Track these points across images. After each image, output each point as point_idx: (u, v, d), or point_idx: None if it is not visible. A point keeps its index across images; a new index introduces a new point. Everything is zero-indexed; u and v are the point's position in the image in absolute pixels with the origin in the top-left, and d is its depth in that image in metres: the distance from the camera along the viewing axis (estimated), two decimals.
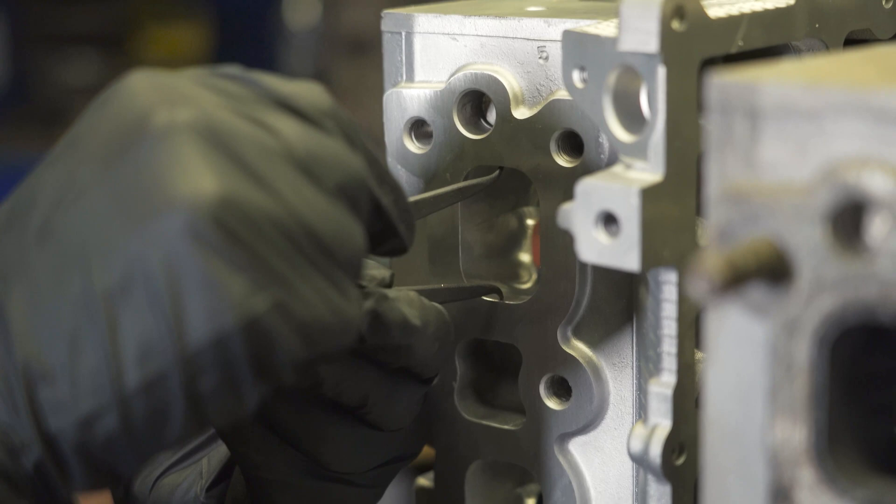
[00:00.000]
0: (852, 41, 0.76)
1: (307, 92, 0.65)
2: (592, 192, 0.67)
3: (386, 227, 0.68)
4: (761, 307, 0.55)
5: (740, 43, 0.69)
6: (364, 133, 0.67)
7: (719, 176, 0.57)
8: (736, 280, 0.52)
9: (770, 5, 0.70)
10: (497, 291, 0.80)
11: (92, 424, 0.59)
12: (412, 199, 0.75)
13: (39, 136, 3.92)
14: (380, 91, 0.82)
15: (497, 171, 0.78)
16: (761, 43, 0.70)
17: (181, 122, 0.60)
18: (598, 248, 0.67)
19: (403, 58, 0.80)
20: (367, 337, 0.69)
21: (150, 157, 0.59)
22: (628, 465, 0.77)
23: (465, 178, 0.79)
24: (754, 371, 0.56)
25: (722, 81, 0.55)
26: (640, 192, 0.66)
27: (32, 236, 0.61)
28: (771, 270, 0.54)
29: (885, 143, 0.53)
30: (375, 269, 0.74)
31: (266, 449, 0.73)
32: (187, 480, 0.76)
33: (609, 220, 0.67)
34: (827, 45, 0.74)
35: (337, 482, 0.74)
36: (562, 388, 0.79)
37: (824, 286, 0.54)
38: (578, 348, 0.78)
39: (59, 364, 0.59)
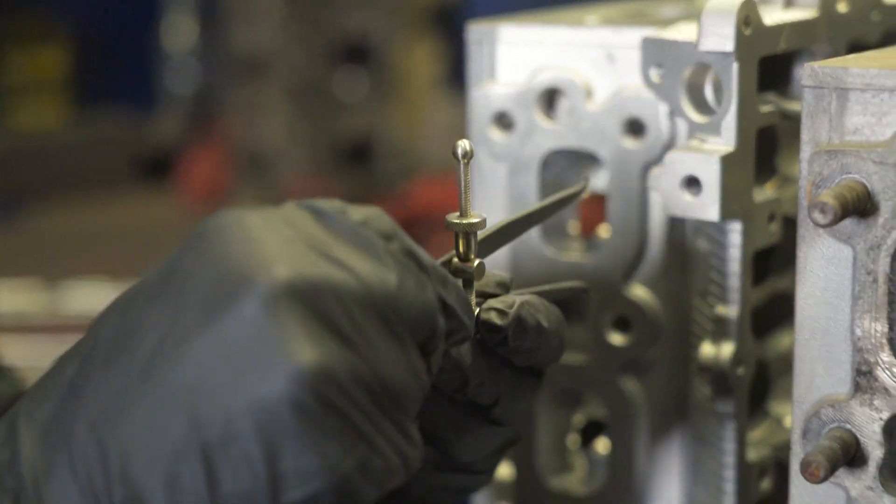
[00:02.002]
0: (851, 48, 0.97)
1: (375, 221, 0.72)
2: (679, 161, 0.88)
3: (453, 323, 0.74)
4: (850, 235, 0.75)
5: (783, 45, 0.89)
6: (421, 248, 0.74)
7: (812, 139, 0.77)
8: (845, 212, 0.72)
9: (800, 17, 0.91)
10: (586, 291, 0.91)
11: None
12: (504, 222, 0.84)
13: None
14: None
15: (582, 185, 0.92)
16: (796, 46, 0.91)
17: (280, 284, 0.66)
18: (683, 204, 0.88)
19: (486, 62, 0.98)
20: (510, 341, 0.78)
21: (254, 318, 0.65)
22: (681, 384, 0.96)
23: (544, 160, 0.97)
24: (842, 282, 0.76)
25: (816, 66, 0.75)
26: (720, 159, 0.86)
27: (136, 374, 0.66)
28: (861, 206, 0.74)
29: None
30: (496, 276, 0.82)
31: None
32: None
33: (692, 183, 0.88)
34: (835, 50, 0.94)
35: (461, 472, 0.83)
36: (624, 325, 0.98)
37: None
38: (638, 293, 0.96)
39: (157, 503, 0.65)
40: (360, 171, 3.47)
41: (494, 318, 0.78)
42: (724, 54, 0.86)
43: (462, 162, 0.80)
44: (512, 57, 0.98)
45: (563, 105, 0.98)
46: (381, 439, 0.67)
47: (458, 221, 0.80)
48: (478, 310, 0.79)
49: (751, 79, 0.87)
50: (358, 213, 0.72)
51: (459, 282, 0.78)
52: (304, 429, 0.64)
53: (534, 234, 0.99)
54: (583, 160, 0.99)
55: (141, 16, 3.92)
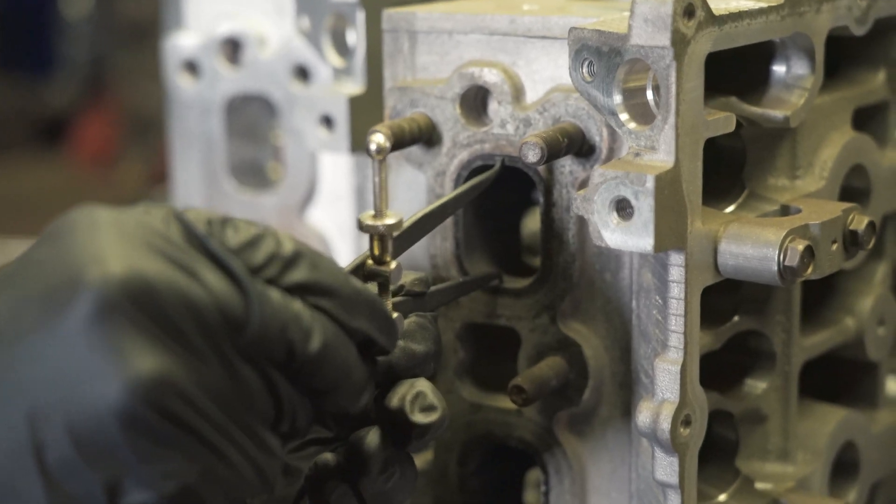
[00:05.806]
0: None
1: (250, 250, 0.68)
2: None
3: (366, 342, 0.71)
4: (421, 162, 0.84)
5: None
6: (331, 274, 0.69)
7: (391, 76, 0.85)
8: (401, 140, 0.81)
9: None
10: (499, 277, 0.85)
11: None
12: (418, 216, 0.79)
13: None
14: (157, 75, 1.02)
15: (494, 171, 0.82)
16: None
17: (113, 282, 0.63)
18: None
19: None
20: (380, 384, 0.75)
21: (87, 319, 0.63)
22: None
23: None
24: (420, 205, 0.84)
25: (390, 12, 0.84)
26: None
27: None
28: (426, 136, 0.83)
29: (495, 49, 0.82)
30: (415, 274, 0.79)
31: None
32: None
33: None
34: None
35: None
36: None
37: (459, 145, 0.83)
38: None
39: None
40: None
41: None
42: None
43: (376, 159, 0.74)
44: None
45: (245, 54, 1.06)
46: (230, 448, 0.66)
47: (373, 223, 0.74)
48: None
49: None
50: (239, 235, 0.68)
51: (374, 286, 0.74)
52: (134, 441, 0.63)
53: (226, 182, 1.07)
54: (269, 106, 1.07)
55: None
